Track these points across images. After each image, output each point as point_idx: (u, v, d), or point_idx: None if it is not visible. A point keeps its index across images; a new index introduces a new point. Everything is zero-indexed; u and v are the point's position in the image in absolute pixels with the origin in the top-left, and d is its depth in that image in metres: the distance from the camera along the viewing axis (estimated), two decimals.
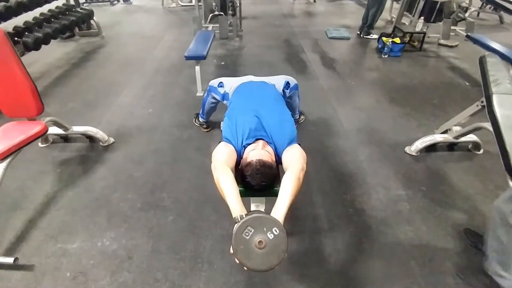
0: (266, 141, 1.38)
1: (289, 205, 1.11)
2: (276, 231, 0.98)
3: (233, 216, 1.08)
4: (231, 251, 1.01)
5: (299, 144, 1.38)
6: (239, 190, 1.35)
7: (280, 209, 1.09)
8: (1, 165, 1.56)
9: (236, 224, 1.03)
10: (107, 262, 1.49)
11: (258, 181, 1.24)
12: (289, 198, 1.12)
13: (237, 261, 1.00)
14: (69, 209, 1.77)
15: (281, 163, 1.37)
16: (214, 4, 4.57)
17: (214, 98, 2.08)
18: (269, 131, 1.39)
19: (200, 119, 2.43)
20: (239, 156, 1.37)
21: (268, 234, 0.98)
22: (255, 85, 1.82)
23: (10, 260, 1.42)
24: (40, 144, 2.26)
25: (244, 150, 1.37)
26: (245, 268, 1.00)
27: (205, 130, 2.45)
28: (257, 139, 1.37)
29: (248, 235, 0.99)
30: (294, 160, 1.27)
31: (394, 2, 5.73)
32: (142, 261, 1.50)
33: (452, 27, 4.55)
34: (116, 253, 1.53)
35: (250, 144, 1.37)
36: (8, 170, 1.58)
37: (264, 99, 1.62)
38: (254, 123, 1.40)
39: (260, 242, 0.97)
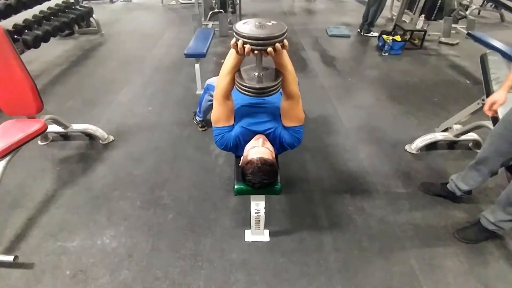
0: (266, 136, 1.37)
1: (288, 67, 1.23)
2: (274, 22, 1.07)
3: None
4: (232, 41, 1.11)
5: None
6: (240, 187, 1.36)
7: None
8: (1, 163, 1.55)
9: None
10: (107, 260, 1.49)
11: (260, 179, 1.24)
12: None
13: (239, 44, 1.07)
14: (69, 207, 1.77)
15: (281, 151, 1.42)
16: (213, 1, 4.55)
17: (211, 96, 2.07)
18: (269, 124, 1.39)
19: (197, 118, 2.43)
20: (239, 155, 1.37)
21: (266, 23, 1.07)
22: None
23: (10, 258, 1.42)
24: (39, 142, 2.26)
25: (243, 146, 1.37)
26: (246, 50, 1.07)
27: (201, 129, 2.44)
28: (257, 133, 1.37)
29: (247, 22, 1.09)
30: None
31: (395, 0, 5.71)
32: (142, 259, 1.50)
33: (453, 25, 4.53)
34: (116, 251, 1.53)
35: (249, 134, 1.36)
36: (7, 168, 1.57)
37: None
38: (253, 115, 1.41)
39: (260, 22, 1.07)
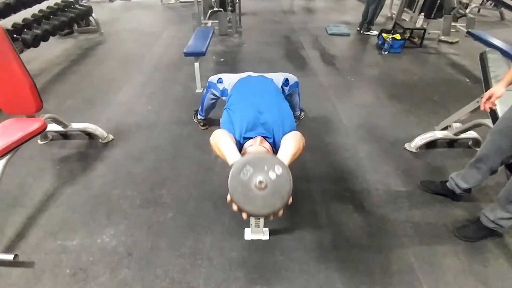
0: (264, 137, 1.38)
1: (291, 158, 1.04)
2: (278, 170, 0.85)
3: (230, 164, 0.98)
4: (228, 197, 0.89)
5: None
6: None
7: (283, 157, 1.01)
8: (0, 162, 1.55)
9: (233, 166, 0.90)
10: (107, 259, 1.49)
11: None
12: (291, 151, 1.05)
13: (235, 208, 0.88)
14: (68, 206, 1.77)
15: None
16: (213, 0, 4.54)
17: (213, 94, 2.07)
18: (268, 125, 1.39)
19: (199, 116, 2.43)
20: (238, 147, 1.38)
21: (269, 173, 0.85)
22: (253, 79, 1.82)
23: (10, 257, 1.42)
24: (39, 141, 2.26)
25: (242, 145, 1.37)
26: (244, 216, 0.89)
27: (203, 127, 2.44)
28: (255, 135, 1.37)
29: (246, 175, 0.85)
30: (293, 134, 1.28)
31: None
32: (141, 258, 1.50)
33: (453, 24, 4.53)
34: (115, 249, 1.54)
35: (248, 138, 1.36)
36: (7, 167, 1.57)
37: (263, 94, 1.62)
38: (253, 117, 1.40)
39: (260, 182, 0.84)
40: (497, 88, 1.44)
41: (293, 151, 1.08)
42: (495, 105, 1.52)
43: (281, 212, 0.91)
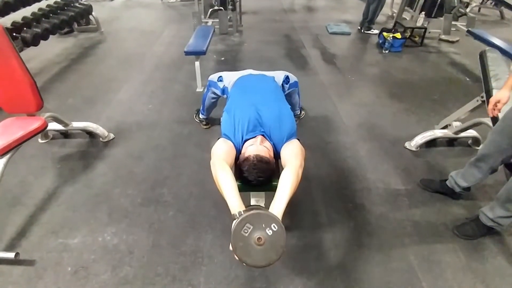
0: (265, 137, 1.38)
1: (287, 201, 1.11)
2: (274, 227, 0.98)
3: (232, 213, 1.08)
4: (231, 248, 1.02)
5: (298, 140, 1.38)
6: (240, 184, 1.36)
7: (278, 205, 1.09)
8: (1, 160, 1.56)
9: (234, 221, 1.04)
10: (108, 257, 1.50)
11: (255, 176, 1.25)
12: (287, 194, 1.12)
13: (237, 258, 1.00)
14: (69, 205, 1.77)
15: (279, 158, 1.37)
16: None
17: (214, 93, 2.07)
18: (268, 127, 1.39)
19: (201, 116, 2.43)
20: (238, 152, 1.38)
21: (267, 230, 0.98)
22: (254, 78, 1.81)
23: (11, 255, 1.43)
24: (40, 140, 2.26)
25: (243, 145, 1.38)
26: (244, 264, 1.01)
27: (205, 126, 2.45)
28: (255, 135, 1.37)
29: (247, 232, 0.99)
30: (293, 156, 1.27)
31: None
32: (143, 256, 1.51)
33: (453, 23, 4.53)
34: (117, 248, 1.54)
35: (249, 139, 1.37)
36: (8, 166, 1.58)
37: (263, 93, 1.61)
38: (253, 118, 1.40)
39: (259, 239, 0.97)
40: (502, 94, 1.43)
41: (290, 192, 1.13)
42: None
43: (276, 263, 1.02)
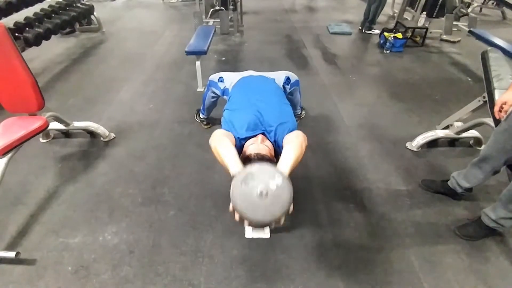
0: (266, 136, 1.38)
1: (291, 166, 1.06)
2: (279, 180, 0.88)
3: (232, 174, 1.01)
4: (230, 208, 0.92)
5: None
6: None
7: (283, 167, 1.03)
8: (3, 160, 1.56)
9: (235, 177, 0.94)
10: (109, 256, 1.50)
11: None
12: (292, 159, 1.07)
13: (236, 217, 0.91)
14: (70, 204, 1.77)
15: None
16: None
17: (214, 93, 2.07)
18: (269, 126, 1.39)
19: (201, 115, 2.43)
20: (239, 150, 1.37)
21: (270, 183, 0.88)
22: (254, 79, 1.82)
23: (12, 254, 1.43)
24: (41, 140, 2.27)
25: (243, 144, 1.37)
26: (245, 225, 0.92)
27: (205, 126, 2.45)
28: (256, 134, 1.37)
29: (248, 186, 0.88)
30: (295, 137, 1.26)
31: None
32: (143, 255, 1.51)
33: (455, 23, 4.52)
34: (117, 247, 1.54)
35: (250, 138, 1.37)
36: (9, 165, 1.58)
37: (264, 93, 1.61)
38: (254, 117, 1.40)
39: (261, 192, 0.87)
40: (508, 96, 1.40)
41: (294, 159, 1.08)
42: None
43: (282, 220, 0.93)
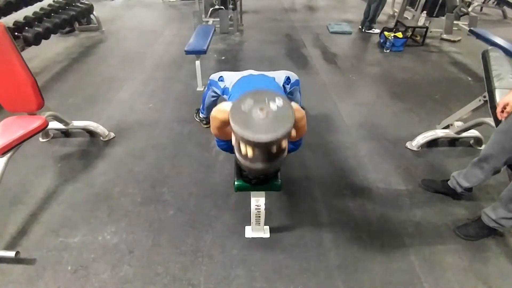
0: None
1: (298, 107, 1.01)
2: (279, 102, 0.85)
3: (228, 110, 0.94)
4: (233, 141, 0.90)
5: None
6: (240, 184, 1.36)
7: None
8: (2, 159, 1.56)
9: (232, 104, 0.89)
10: (108, 256, 1.50)
11: (256, 174, 1.24)
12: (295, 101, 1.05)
13: (243, 150, 0.86)
14: (70, 204, 1.77)
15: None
16: None
17: (214, 92, 2.07)
18: None
19: (201, 115, 2.43)
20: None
21: (270, 104, 0.84)
22: (254, 78, 1.81)
23: (11, 254, 1.43)
24: (40, 139, 2.26)
25: None
26: (249, 153, 0.86)
27: (205, 126, 2.44)
28: None
29: (247, 107, 0.84)
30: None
31: None
32: (143, 255, 1.50)
33: (455, 22, 4.50)
34: (117, 247, 1.54)
35: None
36: (9, 165, 1.58)
37: None
38: None
39: (261, 109, 0.83)
40: (510, 97, 1.39)
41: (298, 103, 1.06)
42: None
43: (284, 144, 0.88)
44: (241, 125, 0.81)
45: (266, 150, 0.87)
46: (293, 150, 1.35)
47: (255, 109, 0.83)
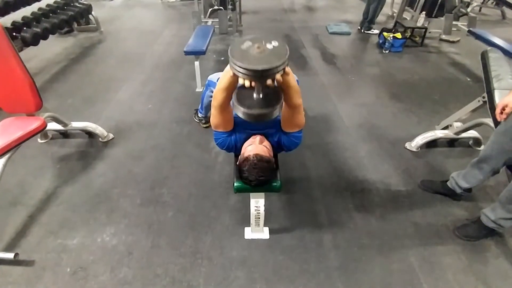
0: (264, 136, 1.37)
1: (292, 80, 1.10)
2: (275, 43, 0.96)
3: (229, 70, 1.04)
4: (227, 68, 1.00)
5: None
6: (240, 185, 1.35)
7: None
8: (1, 161, 1.55)
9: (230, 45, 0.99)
10: (107, 258, 1.49)
11: (256, 176, 1.24)
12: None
13: (240, 81, 0.96)
14: (69, 205, 1.77)
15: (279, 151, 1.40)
16: None
17: (212, 92, 2.06)
18: (268, 125, 1.38)
19: (199, 115, 2.43)
20: (239, 149, 1.37)
21: (267, 44, 0.95)
22: None
23: (10, 255, 1.42)
24: (39, 140, 2.26)
25: (242, 145, 1.37)
26: (246, 83, 0.95)
27: (204, 125, 2.44)
28: (254, 135, 1.36)
29: (245, 46, 0.95)
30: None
31: None
32: (142, 257, 1.50)
33: (454, 22, 4.51)
34: (116, 248, 1.54)
35: (249, 137, 1.36)
36: (7, 166, 1.57)
37: None
38: None
39: (259, 47, 0.94)
40: (510, 98, 1.38)
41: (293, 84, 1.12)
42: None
43: (278, 76, 0.96)
44: (239, 58, 0.92)
45: (262, 84, 0.98)
46: (295, 145, 1.35)
47: (253, 48, 0.94)
